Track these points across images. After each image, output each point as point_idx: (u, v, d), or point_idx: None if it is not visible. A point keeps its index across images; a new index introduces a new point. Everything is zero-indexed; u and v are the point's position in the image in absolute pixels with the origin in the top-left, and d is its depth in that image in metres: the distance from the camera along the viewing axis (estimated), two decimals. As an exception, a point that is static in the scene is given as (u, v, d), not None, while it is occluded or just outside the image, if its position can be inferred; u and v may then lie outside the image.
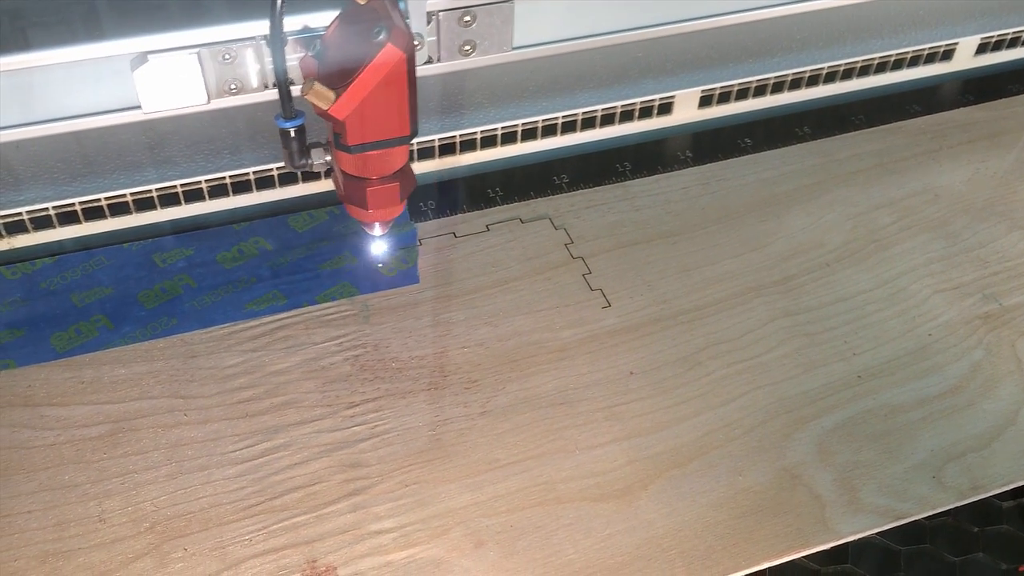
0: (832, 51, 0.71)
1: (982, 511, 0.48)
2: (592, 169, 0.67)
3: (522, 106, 0.65)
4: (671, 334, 0.55)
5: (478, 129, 0.65)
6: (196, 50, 0.52)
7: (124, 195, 0.59)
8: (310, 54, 0.49)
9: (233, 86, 0.53)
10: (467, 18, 0.55)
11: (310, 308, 0.56)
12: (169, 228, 0.60)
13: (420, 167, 0.65)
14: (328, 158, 0.51)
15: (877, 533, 0.47)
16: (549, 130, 0.67)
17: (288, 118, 0.49)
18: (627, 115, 0.68)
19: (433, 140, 0.64)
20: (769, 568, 0.46)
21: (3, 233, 0.58)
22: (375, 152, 0.49)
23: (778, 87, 0.71)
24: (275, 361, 0.53)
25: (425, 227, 0.61)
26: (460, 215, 0.62)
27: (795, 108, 0.72)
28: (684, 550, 0.45)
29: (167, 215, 0.61)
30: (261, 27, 0.52)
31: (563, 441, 0.50)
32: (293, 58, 0.51)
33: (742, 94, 0.70)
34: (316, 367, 0.52)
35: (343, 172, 0.51)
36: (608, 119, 0.68)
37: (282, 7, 0.46)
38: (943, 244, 0.61)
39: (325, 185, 0.63)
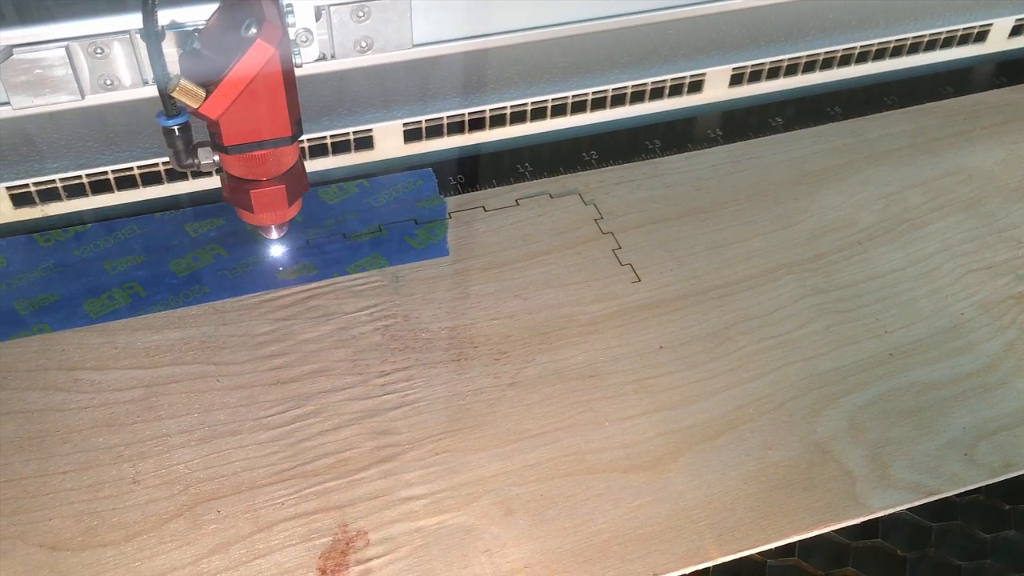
0: (865, 31, 0.70)
1: (1014, 489, 0.48)
2: (621, 146, 0.66)
3: (552, 82, 0.65)
4: (701, 309, 0.55)
5: (508, 104, 0.65)
6: (64, 44, 0.49)
7: (156, 165, 0.59)
8: (188, 50, 0.47)
9: (108, 82, 0.51)
10: (360, 13, 0.53)
11: (340, 278, 0.56)
12: (200, 199, 0.61)
13: (449, 141, 0.65)
14: (217, 157, 0.49)
15: (908, 509, 0.47)
16: (579, 106, 0.67)
17: (170, 115, 0.46)
18: (657, 93, 0.68)
19: (463, 115, 0.64)
20: (799, 541, 0.46)
21: (37, 201, 0.58)
22: (258, 153, 0.47)
23: (810, 67, 0.71)
24: (306, 330, 0.53)
25: (454, 201, 0.61)
26: (489, 189, 0.62)
27: (826, 88, 0.72)
28: (714, 522, 0.45)
29: (198, 185, 0.61)
30: (133, 20, 0.50)
31: (593, 413, 0.50)
32: (173, 52, 0.48)
33: (773, 73, 0.70)
34: (347, 336, 0.53)
35: (228, 174, 0.49)
36: (638, 96, 0.68)
37: None
38: (976, 224, 0.60)
39: (354, 159, 0.63)
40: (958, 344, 0.54)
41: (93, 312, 0.53)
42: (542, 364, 0.52)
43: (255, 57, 0.44)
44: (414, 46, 0.57)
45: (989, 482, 0.48)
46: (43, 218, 0.59)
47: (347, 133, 0.62)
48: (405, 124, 0.63)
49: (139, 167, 0.59)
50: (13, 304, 0.53)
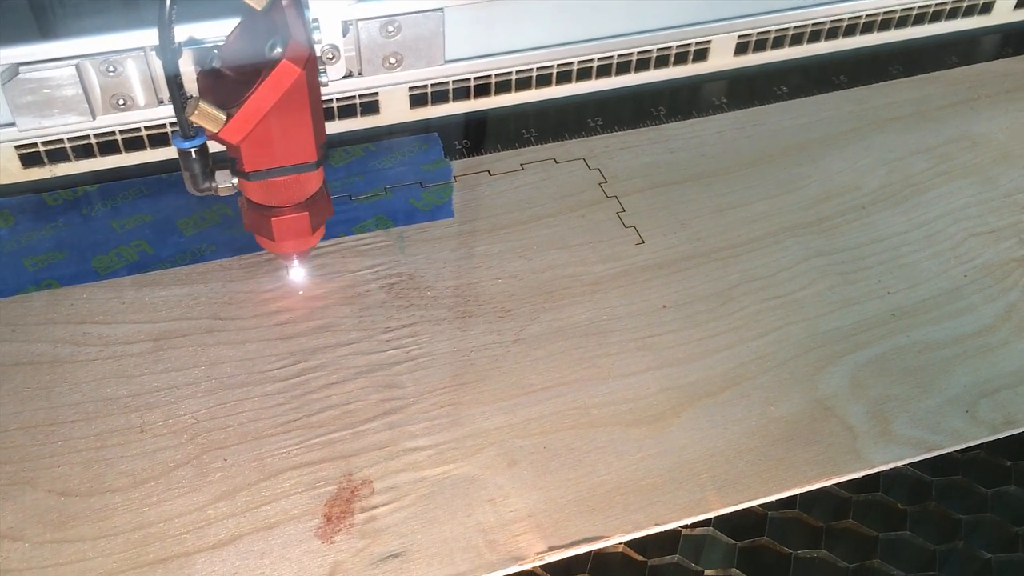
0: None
1: (1015, 445, 0.48)
2: (626, 113, 0.67)
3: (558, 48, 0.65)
4: (704, 271, 0.55)
5: (513, 70, 0.65)
6: (75, 62, 0.46)
7: (164, 126, 0.59)
8: (207, 68, 0.44)
9: (121, 101, 0.48)
10: (391, 28, 0.50)
11: (346, 238, 0.56)
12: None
13: (455, 107, 0.65)
14: (235, 181, 0.46)
15: (909, 464, 0.47)
16: (584, 73, 0.67)
17: (187, 137, 0.43)
18: (662, 60, 0.68)
19: (468, 80, 0.64)
20: (800, 494, 0.46)
21: (45, 161, 0.59)
22: (281, 178, 0.44)
23: (815, 36, 0.71)
24: (312, 287, 0.53)
25: (459, 164, 0.62)
26: (494, 154, 0.63)
27: (832, 57, 0.72)
28: (716, 474, 0.46)
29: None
30: (148, 37, 0.47)
31: (596, 369, 0.50)
32: (190, 70, 0.45)
33: (778, 42, 0.70)
34: (352, 293, 0.53)
35: (248, 199, 0.47)
36: (643, 64, 0.68)
37: (171, 12, 0.40)
38: (980, 189, 0.61)
39: (360, 123, 0.64)
40: (960, 305, 0.54)
41: (101, 268, 0.54)
42: (546, 322, 0.52)
43: (280, 78, 0.41)
44: (446, 62, 0.55)
45: (990, 438, 0.48)
46: (52, 178, 0.59)
47: (353, 96, 0.62)
48: (411, 88, 0.63)
49: (147, 128, 0.59)
50: (22, 261, 0.54)
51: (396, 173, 0.60)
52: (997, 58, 0.72)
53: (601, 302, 0.53)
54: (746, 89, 0.69)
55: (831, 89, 0.69)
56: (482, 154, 0.63)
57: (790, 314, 0.53)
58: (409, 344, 0.51)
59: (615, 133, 0.65)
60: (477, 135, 0.64)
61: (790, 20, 0.69)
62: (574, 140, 0.64)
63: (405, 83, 0.62)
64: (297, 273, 0.53)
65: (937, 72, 0.70)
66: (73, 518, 0.43)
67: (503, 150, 0.63)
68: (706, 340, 0.52)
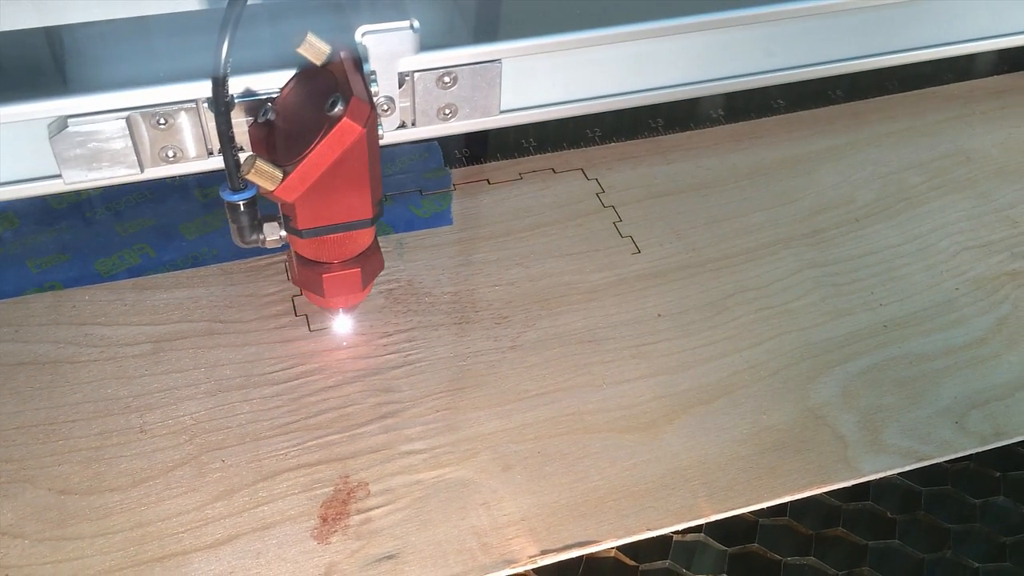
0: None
1: (1004, 457, 0.49)
2: (625, 124, 0.67)
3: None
4: (699, 280, 0.56)
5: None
6: (125, 114, 0.45)
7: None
8: (260, 120, 0.43)
9: (171, 154, 0.47)
10: (447, 79, 0.49)
11: (346, 244, 0.57)
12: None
13: (456, 116, 0.66)
14: (284, 233, 0.45)
15: (899, 474, 0.48)
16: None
17: (236, 190, 0.42)
18: (661, 73, 0.69)
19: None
20: (791, 502, 0.46)
21: (50, 164, 0.59)
22: (333, 235, 0.44)
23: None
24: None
25: (459, 173, 0.62)
26: (493, 163, 0.63)
27: (828, 72, 0.73)
28: (707, 481, 0.46)
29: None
30: (201, 89, 0.45)
31: (591, 376, 0.51)
32: (240, 122, 0.44)
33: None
34: (351, 298, 0.54)
35: (297, 254, 0.46)
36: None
37: (227, 65, 0.38)
38: (973, 204, 0.61)
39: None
40: (952, 318, 0.54)
41: (104, 271, 0.54)
42: (542, 329, 0.53)
43: (341, 137, 0.40)
44: (501, 112, 0.53)
45: (979, 449, 0.49)
46: (56, 181, 0.60)
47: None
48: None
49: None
50: (26, 262, 0.54)
51: (396, 181, 0.61)
52: (992, 74, 0.73)
53: (597, 310, 0.54)
54: (743, 102, 0.70)
55: (827, 103, 0.69)
56: (482, 163, 0.63)
57: (783, 324, 0.54)
58: (407, 349, 0.51)
59: (613, 144, 0.65)
60: (477, 144, 0.65)
61: (797, 77, 0.68)
62: (572, 150, 0.65)
63: (458, 134, 0.60)
64: (342, 325, 0.52)
65: (932, 88, 0.71)
66: (72, 516, 0.43)
67: (502, 159, 0.64)
68: (700, 349, 0.52)
